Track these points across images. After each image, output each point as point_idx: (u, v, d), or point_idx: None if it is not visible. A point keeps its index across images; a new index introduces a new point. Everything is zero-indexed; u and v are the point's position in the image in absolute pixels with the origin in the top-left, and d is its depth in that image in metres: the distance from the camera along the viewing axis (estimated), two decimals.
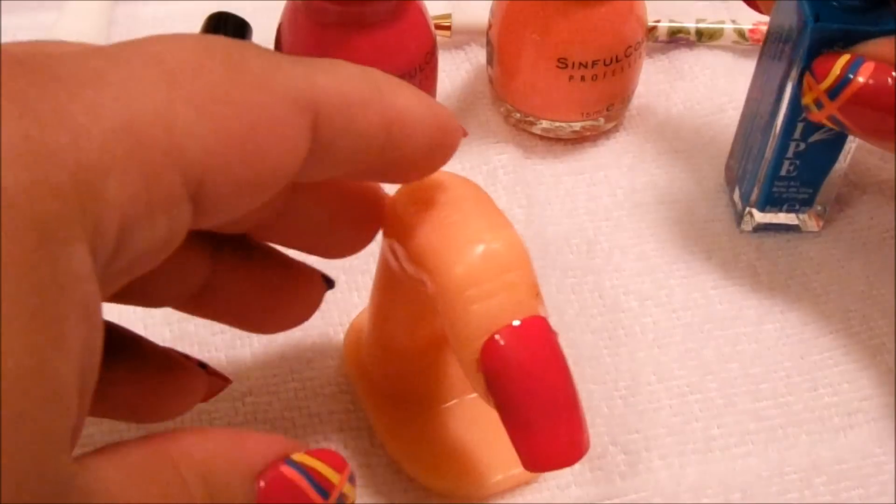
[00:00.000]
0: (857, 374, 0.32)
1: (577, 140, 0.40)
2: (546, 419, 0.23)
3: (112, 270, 0.18)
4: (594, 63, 0.37)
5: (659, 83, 0.42)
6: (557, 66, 0.37)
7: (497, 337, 0.23)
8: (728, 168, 0.38)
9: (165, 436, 0.21)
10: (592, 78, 0.37)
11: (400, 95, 0.23)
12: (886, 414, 0.31)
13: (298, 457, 0.22)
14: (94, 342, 0.17)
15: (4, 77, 0.16)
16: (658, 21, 0.43)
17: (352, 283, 0.34)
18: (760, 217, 0.36)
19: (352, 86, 0.22)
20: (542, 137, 0.40)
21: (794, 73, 0.31)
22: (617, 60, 0.37)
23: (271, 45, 0.37)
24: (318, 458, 0.22)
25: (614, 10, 0.36)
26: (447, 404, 0.30)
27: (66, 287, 0.16)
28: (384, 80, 0.23)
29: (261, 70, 0.20)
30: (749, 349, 0.33)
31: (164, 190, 0.18)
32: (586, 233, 0.37)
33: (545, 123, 0.39)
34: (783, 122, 0.32)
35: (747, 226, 0.36)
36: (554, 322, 0.33)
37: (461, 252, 0.24)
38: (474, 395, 0.29)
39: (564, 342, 0.33)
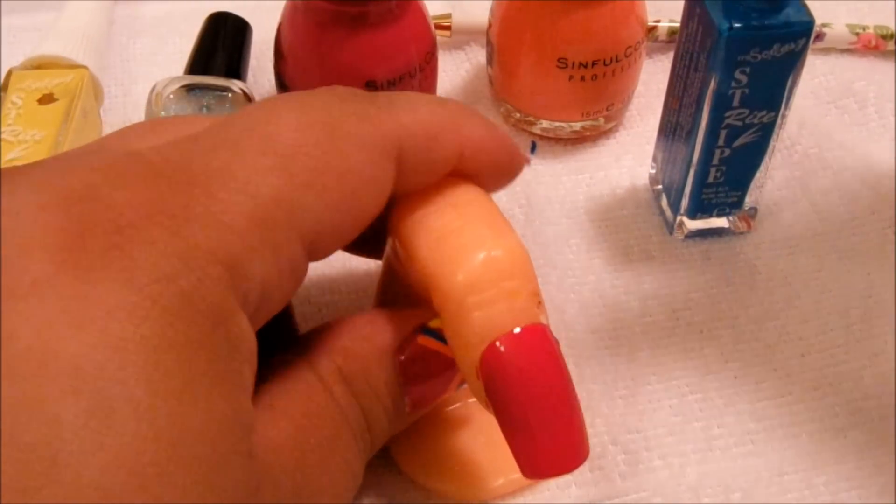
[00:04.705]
0: (858, 373, 0.32)
1: (577, 140, 0.40)
2: (545, 427, 0.23)
3: (256, 318, 0.22)
4: (594, 63, 0.37)
5: (659, 83, 0.42)
6: (557, 66, 0.37)
7: (497, 344, 0.23)
8: (651, 176, 0.38)
9: (304, 340, 0.25)
10: (592, 78, 0.37)
11: (472, 123, 0.26)
12: (886, 414, 0.31)
13: (435, 323, 0.25)
14: (255, 370, 0.21)
15: (159, 195, 0.20)
16: (658, 21, 0.43)
17: (357, 284, 0.34)
18: (692, 224, 0.36)
19: (431, 118, 0.25)
20: (542, 137, 0.40)
21: (712, 84, 0.31)
22: (617, 60, 0.37)
23: (271, 45, 0.37)
24: None
25: (614, 10, 0.36)
26: (451, 407, 0.30)
27: (238, 347, 0.20)
28: (458, 108, 0.26)
29: (353, 129, 0.23)
30: (749, 348, 0.33)
31: (289, 259, 0.22)
32: (586, 233, 0.37)
33: (545, 123, 0.39)
34: (706, 130, 0.32)
35: (679, 234, 0.36)
36: (554, 322, 0.33)
37: (462, 259, 0.24)
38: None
39: (564, 342, 0.33)
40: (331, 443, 0.24)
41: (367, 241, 0.29)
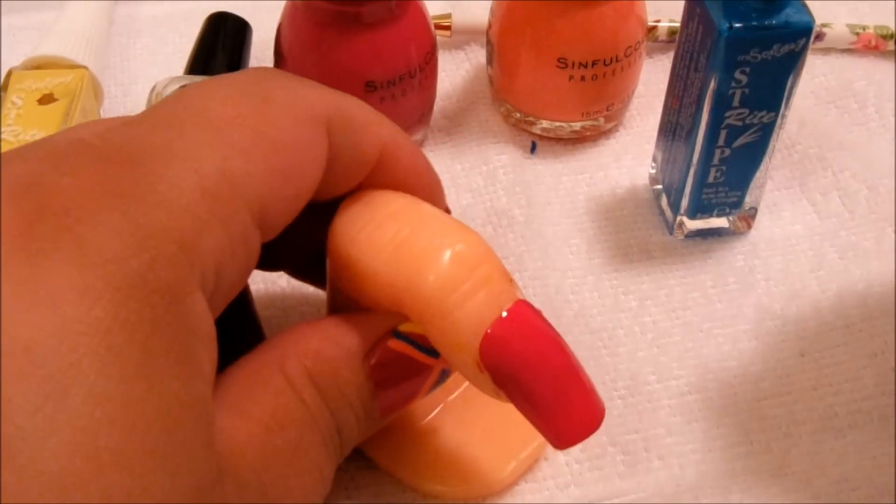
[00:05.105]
0: (858, 373, 0.32)
1: (577, 140, 0.40)
2: (560, 394, 0.23)
3: (214, 300, 0.21)
4: (594, 63, 0.37)
5: (659, 83, 0.42)
6: (557, 66, 0.37)
7: (491, 333, 0.23)
8: (651, 176, 0.38)
9: (273, 342, 0.25)
10: (592, 78, 0.37)
11: (396, 129, 0.26)
12: (886, 414, 0.31)
13: (405, 327, 0.25)
14: (214, 357, 0.21)
15: (106, 178, 0.20)
16: (658, 21, 0.43)
17: None
18: (692, 224, 0.36)
19: (356, 108, 0.25)
20: (542, 137, 0.40)
21: (712, 83, 0.31)
22: (617, 60, 0.37)
23: (271, 45, 0.37)
24: None
25: (614, 10, 0.36)
26: (432, 414, 0.29)
27: (193, 329, 0.20)
28: (382, 115, 0.26)
29: (284, 98, 0.24)
30: (749, 348, 0.33)
31: (239, 229, 0.22)
32: (586, 233, 0.37)
33: (545, 123, 0.39)
34: (706, 130, 0.32)
35: (679, 234, 0.36)
36: (553, 322, 0.33)
37: (428, 264, 0.23)
38: (456, 394, 0.29)
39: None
40: (298, 445, 0.23)
41: (317, 269, 0.29)
